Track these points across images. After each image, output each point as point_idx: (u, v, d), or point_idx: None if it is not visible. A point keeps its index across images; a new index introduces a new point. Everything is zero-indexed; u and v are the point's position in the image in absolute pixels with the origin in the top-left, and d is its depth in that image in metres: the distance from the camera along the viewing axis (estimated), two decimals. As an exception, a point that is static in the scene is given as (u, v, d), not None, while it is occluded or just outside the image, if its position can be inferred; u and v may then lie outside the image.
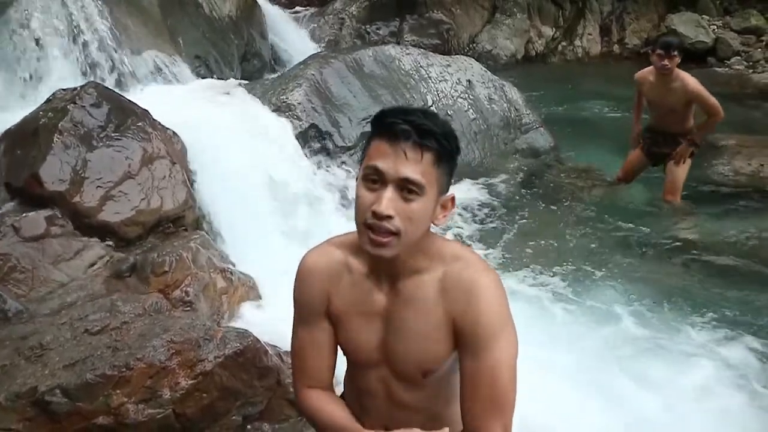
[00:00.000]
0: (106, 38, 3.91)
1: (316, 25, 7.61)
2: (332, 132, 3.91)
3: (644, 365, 2.67)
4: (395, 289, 1.23)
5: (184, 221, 2.94)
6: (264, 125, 3.51)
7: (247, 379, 2.13)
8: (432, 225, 1.19)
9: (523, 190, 4.46)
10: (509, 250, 3.70)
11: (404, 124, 1.11)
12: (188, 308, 2.48)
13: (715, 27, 9.31)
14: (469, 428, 1.19)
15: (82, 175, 2.70)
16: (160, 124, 3.10)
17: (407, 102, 4.37)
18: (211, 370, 2.05)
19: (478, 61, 5.45)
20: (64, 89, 3.06)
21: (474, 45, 8.50)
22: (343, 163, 3.83)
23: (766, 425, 2.41)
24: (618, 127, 4.50)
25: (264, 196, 3.12)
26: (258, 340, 2.18)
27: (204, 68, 4.91)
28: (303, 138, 3.75)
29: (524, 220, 4.06)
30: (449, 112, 4.58)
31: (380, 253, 1.14)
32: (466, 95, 4.76)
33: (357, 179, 1.19)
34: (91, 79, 3.65)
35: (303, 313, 1.31)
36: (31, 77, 3.59)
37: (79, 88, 2.98)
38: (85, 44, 3.83)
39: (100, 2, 3.95)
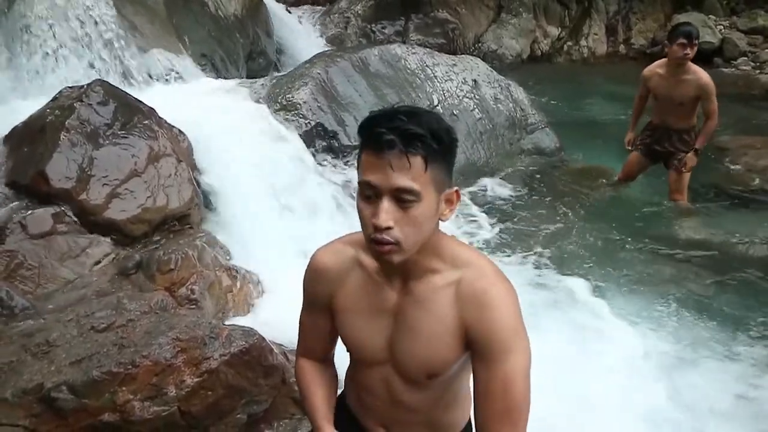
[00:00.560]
0: (113, 36, 3.92)
1: (321, 24, 7.60)
2: (338, 131, 3.91)
3: (649, 364, 2.67)
4: (407, 288, 1.23)
5: (189, 219, 2.94)
6: (270, 124, 3.51)
7: (252, 377, 2.13)
8: (440, 221, 1.19)
9: (528, 190, 4.45)
10: (514, 250, 3.69)
11: (388, 134, 1.07)
12: (194, 306, 2.49)
13: (722, 27, 9.26)
14: None
15: (89, 172, 2.71)
16: (166, 122, 3.10)
17: (413, 102, 4.37)
18: (217, 368, 2.05)
19: (483, 60, 5.43)
20: (70, 87, 3.07)
21: (479, 44, 8.48)
22: (349, 162, 3.83)
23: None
24: (624, 128, 4.47)
25: (269, 195, 3.12)
26: (263, 339, 2.18)
27: (210, 67, 4.92)
28: (309, 137, 3.75)
29: (529, 220, 4.05)
30: (455, 112, 4.57)
31: (388, 261, 1.16)
32: (472, 95, 4.76)
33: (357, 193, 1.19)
34: (98, 76, 3.66)
35: (308, 300, 1.37)
36: (37, 73, 3.60)
37: (85, 86, 2.99)
38: (91, 42, 3.84)
39: (107, 0, 3.96)
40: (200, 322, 2.17)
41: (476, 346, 1.17)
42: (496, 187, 4.38)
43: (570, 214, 4.15)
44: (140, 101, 3.09)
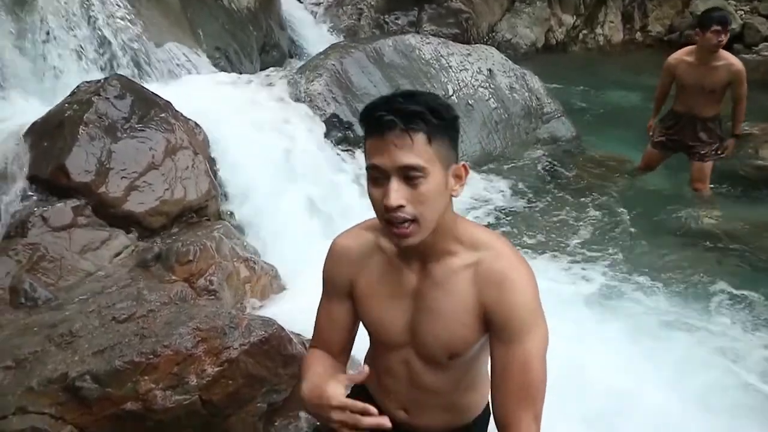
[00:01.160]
0: (128, 30, 3.94)
1: (334, 15, 7.58)
2: (353, 122, 3.90)
3: (674, 354, 2.64)
4: (426, 270, 1.25)
5: (206, 211, 2.96)
6: (285, 115, 3.51)
7: (272, 366, 2.14)
8: (452, 197, 1.20)
9: (545, 180, 4.41)
10: (531, 239, 3.67)
11: (387, 115, 1.10)
12: (212, 297, 2.50)
13: (743, 12, 9.07)
14: (499, 417, 1.20)
15: (107, 166, 2.73)
16: (182, 115, 3.12)
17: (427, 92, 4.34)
18: (237, 358, 2.06)
19: (497, 50, 5.39)
20: (88, 82, 3.10)
21: (493, 34, 8.40)
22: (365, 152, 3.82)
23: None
24: (640, 116, 4.41)
25: (286, 187, 3.13)
26: (282, 328, 2.19)
27: (224, 60, 4.93)
28: (324, 127, 3.75)
29: (546, 210, 4.02)
30: (470, 102, 4.54)
31: (407, 243, 1.16)
32: (487, 84, 4.72)
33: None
34: (114, 71, 3.69)
35: (327, 288, 1.38)
36: (54, 68, 3.63)
37: (102, 81, 3.01)
38: (107, 36, 3.87)
39: (121, -6, 3.98)
40: (220, 312, 2.18)
41: (495, 327, 1.19)
42: (512, 177, 4.35)
43: (588, 203, 4.11)
44: (156, 95, 3.11)
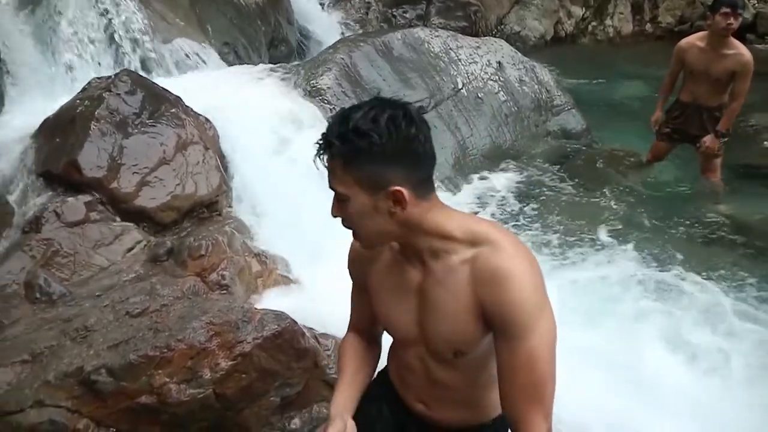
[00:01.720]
0: (139, 25, 3.95)
1: (342, 9, 7.55)
2: (362, 116, 3.88)
3: (689, 345, 2.64)
4: (427, 267, 1.24)
5: (217, 206, 2.97)
6: (295, 110, 3.51)
7: (285, 360, 2.15)
8: (409, 217, 1.16)
9: (555, 172, 4.38)
10: (542, 233, 3.65)
11: (320, 140, 1.15)
12: (224, 291, 2.51)
13: (755, 2, 8.95)
14: (509, 416, 1.18)
15: (119, 161, 2.74)
16: (192, 110, 3.12)
17: (437, 85, 4.32)
18: (250, 352, 2.08)
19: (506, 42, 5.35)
20: (98, 78, 3.11)
21: (502, 27, 8.34)
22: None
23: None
24: (650, 108, 4.35)
25: (296, 181, 3.12)
26: (295, 322, 2.20)
27: (233, 55, 4.93)
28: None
29: (556, 202, 4.00)
30: (479, 95, 4.52)
31: (363, 247, 1.28)
32: (497, 77, 4.69)
33: None
34: (123, 67, 3.70)
35: (352, 279, 1.45)
36: (65, 64, 3.64)
37: (113, 77, 3.02)
38: (117, 31, 3.88)
39: (130, -10, 3.99)
40: (233, 307, 2.20)
41: (495, 325, 1.17)
42: (522, 170, 4.33)
43: (599, 195, 4.08)
44: (167, 90, 3.11)
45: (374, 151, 1.11)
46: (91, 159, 2.68)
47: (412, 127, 1.12)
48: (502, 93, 4.65)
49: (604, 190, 4.13)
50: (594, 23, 9.13)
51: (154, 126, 2.91)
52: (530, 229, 3.69)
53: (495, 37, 6.36)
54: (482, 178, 4.22)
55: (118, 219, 2.71)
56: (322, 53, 4.36)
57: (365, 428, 1.37)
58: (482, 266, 1.16)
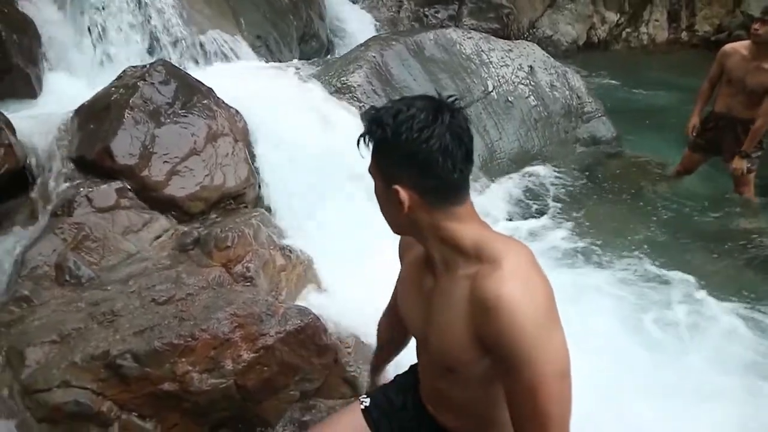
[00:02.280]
0: (173, 17, 4.00)
1: (374, 7, 7.56)
2: (391, 115, 3.88)
3: (718, 359, 2.59)
4: (438, 276, 1.22)
5: (244, 198, 2.99)
6: (325, 107, 3.52)
7: (306, 355, 2.16)
8: (418, 221, 1.16)
9: (582, 180, 4.33)
10: (568, 240, 3.61)
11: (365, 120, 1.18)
12: (249, 283, 2.52)
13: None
14: None
15: (151, 150, 2.77)
16: (223, 102, 3.14)
17: (467, 87, 4.30)
18: (272, 345, 2.09)
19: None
20: (134, 67, 3.14)
21: (534, 30, 8.28)
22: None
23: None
24: (682, 118, 4.28)
25: (325, 179, 3.13)
26: (318, 318, 2.21)
27: (264, 49, 4.97)
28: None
29: (584, 210, 3.95)
30: (509, 99, 4.48)
31: (392, 230, 1.28)
32: (528, 81, 4.65)
33: None
34: (157, 56, 3.75)
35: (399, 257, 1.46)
36: (102, 52, 3.71)
37: (148, 66, 3.05)
38: (151, 23, 3.93)
39: (167, -19, 4.04)
40: (257, 299, 2.21)
41: (492, 355, 1.11)
42: (549, 176, 4.28)
43: (626, 205, 4.03)
44: (199, 81, 3.14)
45: (391, 144, 1.13)
46: (124, 147, 2.72)
47: (428, 133, 1.09)
48: (532, 97, 4.61)
49: (632, 199, 4.08)
50: (628, 30, 9.00)
51: (185, 116, 2.93)
52: (550, 237, 3.65)
53: (527, 40, 6.30)
54: (508, 182, 4.19)
55: (146, 207, 2.74)
56: (353, 51, 4.36)
57: (389, 416, 1.44)
58: (477, 286, 1.09)
